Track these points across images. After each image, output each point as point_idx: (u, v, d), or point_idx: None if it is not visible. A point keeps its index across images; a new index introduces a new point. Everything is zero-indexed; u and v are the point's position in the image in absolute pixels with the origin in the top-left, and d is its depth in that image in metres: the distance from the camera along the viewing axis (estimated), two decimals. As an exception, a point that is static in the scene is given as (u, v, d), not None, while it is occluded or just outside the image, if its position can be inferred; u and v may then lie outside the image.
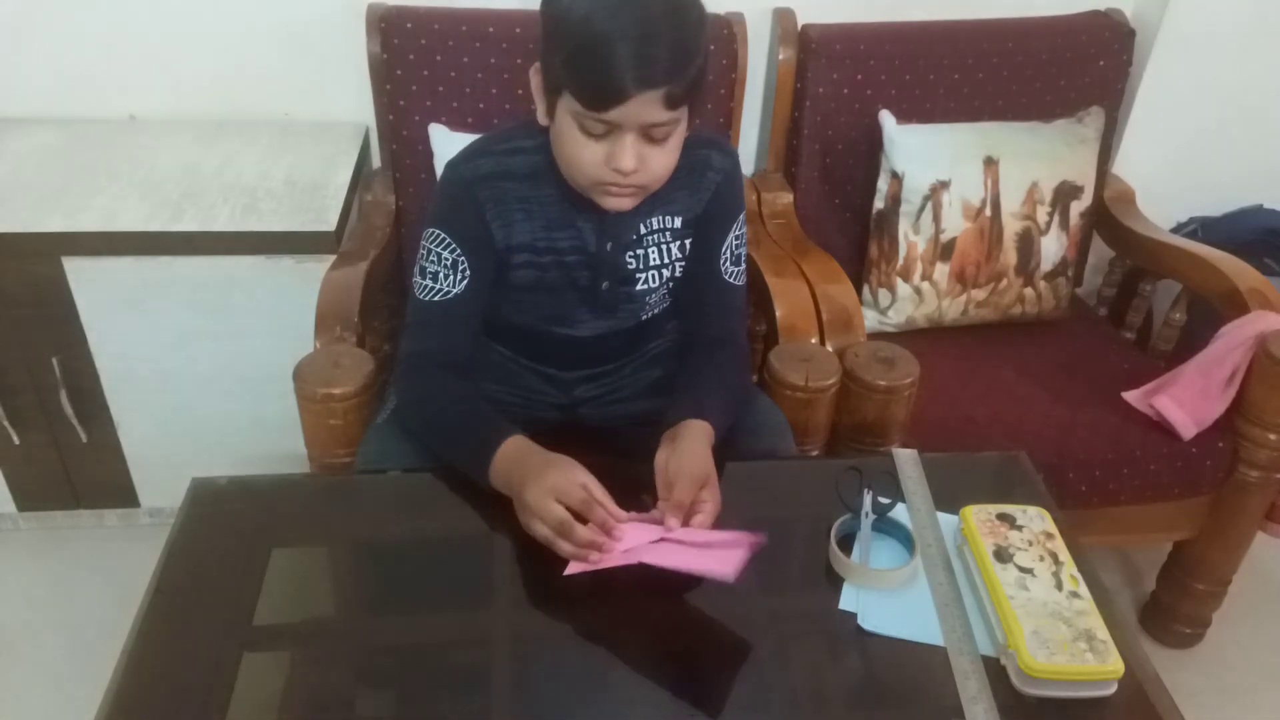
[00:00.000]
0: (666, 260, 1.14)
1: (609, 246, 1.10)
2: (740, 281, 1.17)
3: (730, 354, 1.14)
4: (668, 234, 1.13)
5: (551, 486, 0.89)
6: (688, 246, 1.15)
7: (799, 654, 0.87)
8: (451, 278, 1.07)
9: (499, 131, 1.13)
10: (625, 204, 1.04)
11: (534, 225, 1.09)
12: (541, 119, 1.03)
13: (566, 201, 1.08)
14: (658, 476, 0.94)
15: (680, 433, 0.98)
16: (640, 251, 1.12)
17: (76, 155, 1.64)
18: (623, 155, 0.97)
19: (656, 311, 1.21)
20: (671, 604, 0.91)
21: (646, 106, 0.93)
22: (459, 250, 1.07)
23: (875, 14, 1.72)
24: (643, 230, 1.12)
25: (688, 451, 0.96)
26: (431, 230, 1.08)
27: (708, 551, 0.89)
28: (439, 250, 1.07)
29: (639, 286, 1.14)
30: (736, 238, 1.15)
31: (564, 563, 0.89)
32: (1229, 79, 1.86)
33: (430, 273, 1.08)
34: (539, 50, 1.00)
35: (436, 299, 1.08)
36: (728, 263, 1.15)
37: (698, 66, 0.95)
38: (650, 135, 0.97)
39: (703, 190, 1.12)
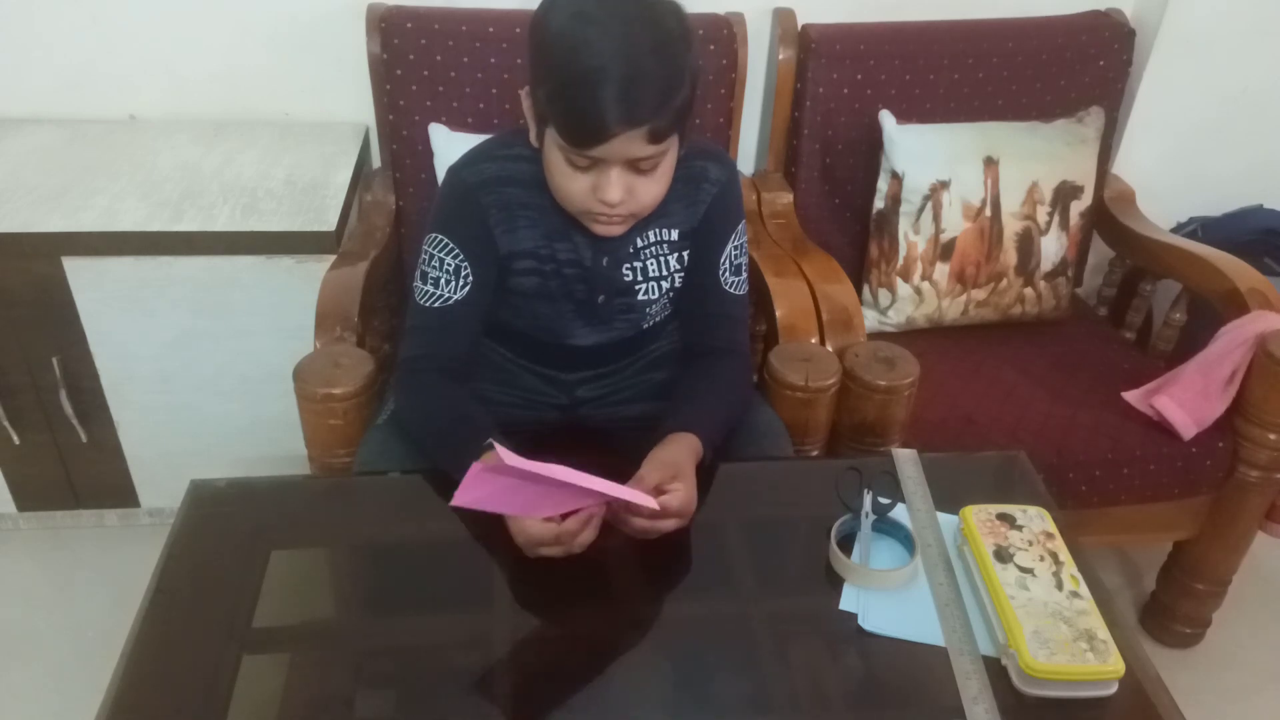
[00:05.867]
0: (665, 272, 1.14)
1: (604, 261, 1.10)
2: (741, 291, 1.16)
3: (730, 364, 1.14)
4: (665, 246, 1.13)
5: (526, 539, 0.89)
6: (686, 258, 1.15)
7: (799, 654, 0.87)
8: (453, 283, 1.07)
9: (500, 137, 1.13)
10: (615, 230, 1.04)
11: (536, 233, 1.09)
12: (533, 140, 1.03)
13: (562, 215, 1.07)
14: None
15: (665, 443, 0.99)
16: (637, 264, 1.12)
17: (76, 155, 1.64)
18: (608, 188, 0.97)
19: (658, 319, 1.21)
20: (671, 604, 0.91)
21: (630, 143, 0.93)
22: (462, 255, 1.07)
23: (875, 14, 1.72)
24: (639, 244, 1.11)
25: (663, 452, 0.97)
26: (434, 235, 1.08)
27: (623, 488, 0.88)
28: (441, 255, 1.07)
29: (639, 297, 1.14)
30: (736, 248, 1.14)
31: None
32: (1229, 79, 1.86)
33: (432, 278, 1.07)
34: (528, 75, 0.99)
35: (437, 304, 1.08)
36: (727, 273, 1.14)
37: (683, 99, 0.95)
38: (637, 167, 0.97)
39: (699, 202, 1.12)
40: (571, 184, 0.99)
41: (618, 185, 0.97)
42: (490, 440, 0.87)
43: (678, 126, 0.97)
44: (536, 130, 1.02)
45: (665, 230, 1.12)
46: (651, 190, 1.01)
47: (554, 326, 1.16)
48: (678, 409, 1.06)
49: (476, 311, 1.10)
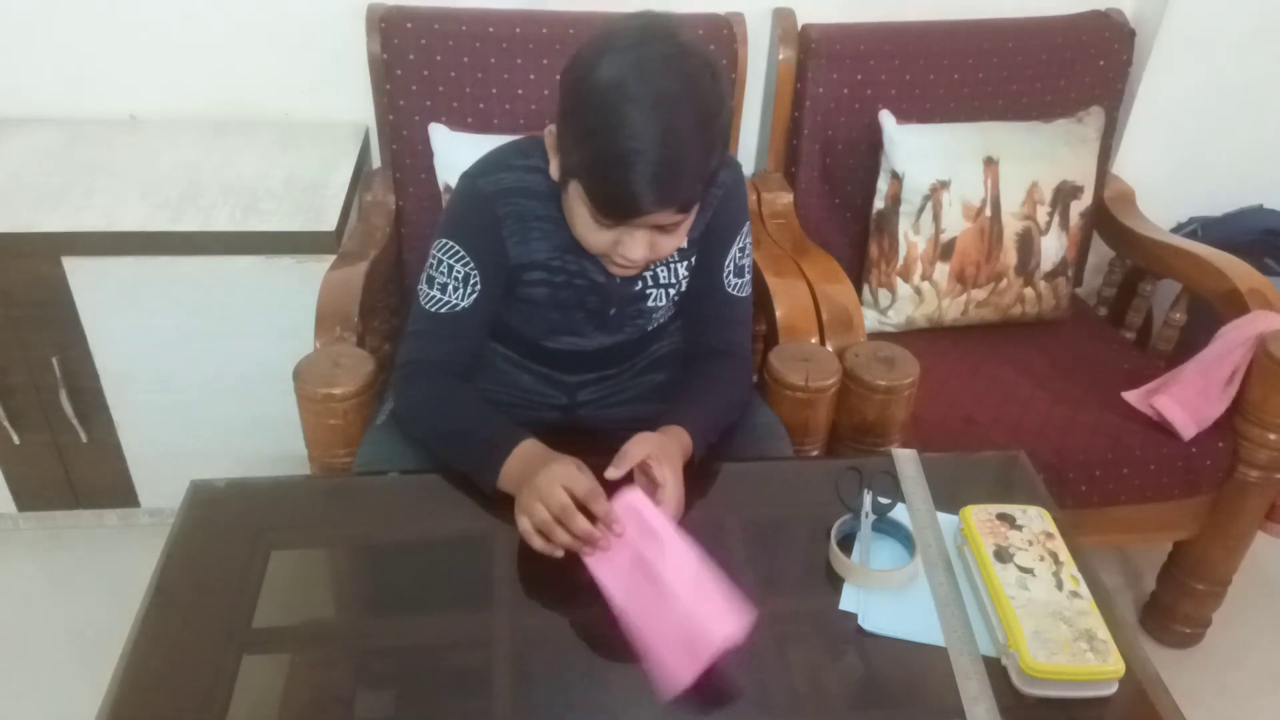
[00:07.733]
0: (675, 280, 1.14)
1: (618, 278, 1.10)
2: (744, 293, 1.16)
3: (730, 366, 1.14)
4: (675, 254, 1.12)
5: (561, 474, 0.90)
6: (694, 263, 1.15)
7: (799, 654, 0.87)
8: (461, 290, 1.06)
9: (517, 145, 1.11)
10: (631, 273, 1.05)
11: (549, 245, 1.08)
12: (554, 174, 1.01)
13: None
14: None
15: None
16: (648, 273, 1.12)
17: (76, 155, 1.64)
18: (632, 249, 0.97)
19: (662, 320, 1.21)
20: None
21: (661, 215, 0.93)
22: (472, 264, 1.06)
23: (875, 14, 1.72)
24: None
25: (651, 433, 0.97)
26: (445, 241, 1.07)
27: (696, 615, 0.81)
28: (450, 262, 1.06)
29: (648, 304, 1.14)
30: (740, 250, 1.14)
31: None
32: (1229, 79, 1.86)
33: (439, 284, 1.07)
34: (557, 117, 0.97)
35: (443, 310, 1.07)
36: (731, 275, 1.14)
37: (715, 164, 0.95)
38: (663, 229, 0.97)
39: (707, 207, 1.11)
40: (594, 236, 0.99)
41: (641, 245, 0.97)
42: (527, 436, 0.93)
43: (708, 189, 0.96)
44: (560, 175, 1.00)
45: None
46: (672, 244, 1.00)
47: (562, 332, 1.16)
48: (672, 407, 1.06)
49: (482, 320, 1.10)
